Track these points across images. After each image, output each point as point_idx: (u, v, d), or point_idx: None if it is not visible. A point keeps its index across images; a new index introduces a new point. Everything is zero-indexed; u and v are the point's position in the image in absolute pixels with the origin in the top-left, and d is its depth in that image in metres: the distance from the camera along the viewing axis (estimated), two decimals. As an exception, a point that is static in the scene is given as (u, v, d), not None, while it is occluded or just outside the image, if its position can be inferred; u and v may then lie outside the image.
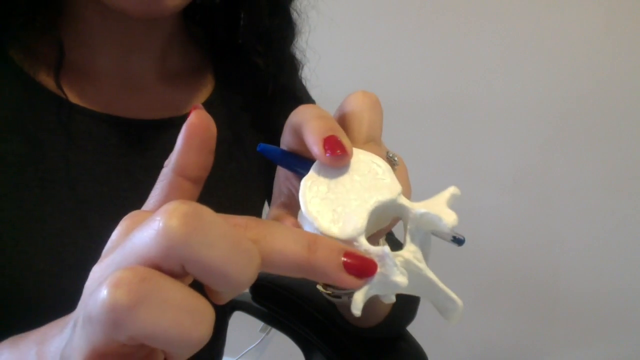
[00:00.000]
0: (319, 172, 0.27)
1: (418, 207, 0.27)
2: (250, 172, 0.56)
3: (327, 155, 0.26)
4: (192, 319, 0.19)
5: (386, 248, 0.25)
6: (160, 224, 0.19)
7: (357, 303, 0.24)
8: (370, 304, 0.43)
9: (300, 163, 0.30)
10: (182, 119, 0.52)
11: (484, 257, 1.32)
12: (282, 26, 0.54)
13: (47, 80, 0.45)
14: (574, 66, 1.19)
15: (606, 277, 1.28)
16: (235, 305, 0.75)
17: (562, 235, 1.29)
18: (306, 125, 0.28)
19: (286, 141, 0.31)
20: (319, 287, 0.44)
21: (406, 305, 0.54)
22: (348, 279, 0.24)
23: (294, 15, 0.55)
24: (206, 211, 0.20)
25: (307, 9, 0.56)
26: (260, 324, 1.41)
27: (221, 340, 0.63)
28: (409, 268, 0.26)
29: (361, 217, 0.26)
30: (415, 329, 0.60)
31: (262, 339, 1.46)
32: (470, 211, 1.30)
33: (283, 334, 0.72)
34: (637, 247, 1.25)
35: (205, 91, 0.55)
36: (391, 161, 0.31)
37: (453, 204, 0.28)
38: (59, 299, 0.41)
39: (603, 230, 1.26)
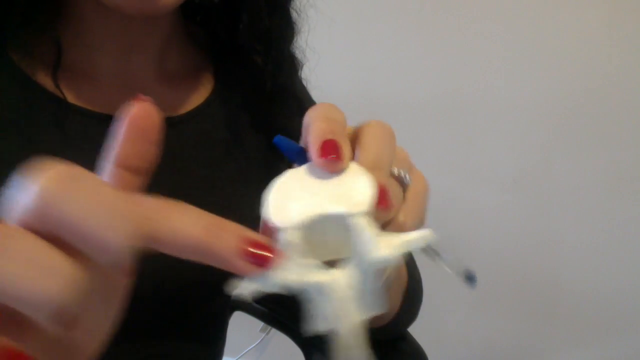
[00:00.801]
0: (306, 170, 0.27)
1: (366, 234, 0.25)
2: (250, 172, 0.56)
3: (321, 158, 0.26)
4: (40, 273, 0.19)
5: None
6: (32, 183, 0.19)
7: (242, 289, 0.23)
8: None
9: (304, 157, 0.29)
10: (180, 118, 0.51)
11: (484, 257, 1.32)
12: (281, 25, 0.54)
13: (45, 80, 0.45)
14: (574, 66, 1.18)
15: (606, 277, 1.28)
16: (235, 305, 0.75)
17: (562, 235, 1.29)
18: (312, 125, 0.28)
19: (303, 139, 0.30)
20: None
21: (411, 307, 0.55)
22: (244, 266, 0.23)
23: (294, 15, 0.55)
24: (83, 173, 0.20)
25: (306, 8, 0.56)
26: (260, 324, 1.41)
27: (221, 340, 0.62)
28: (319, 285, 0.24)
29: (303, 214, 0.25)
30: (415, 329, 0.60)
31: (262, 339, 1.46)
32: (470, 211, 1.30)
33: (283, 334, 0.72)
34: (637, 247, 1.25)
35: (205, 91, 0.55)
36: (400, 179, 0.30)
37: (421, 247, 0.26)
38: None
39: (603, 230, 1.26)
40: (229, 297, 0.63)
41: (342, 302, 0.24)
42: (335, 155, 0.26)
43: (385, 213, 0.26)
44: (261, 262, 0.23)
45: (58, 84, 0.44)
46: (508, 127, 1.24)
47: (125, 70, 0.49)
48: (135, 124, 0.24)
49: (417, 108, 1.27)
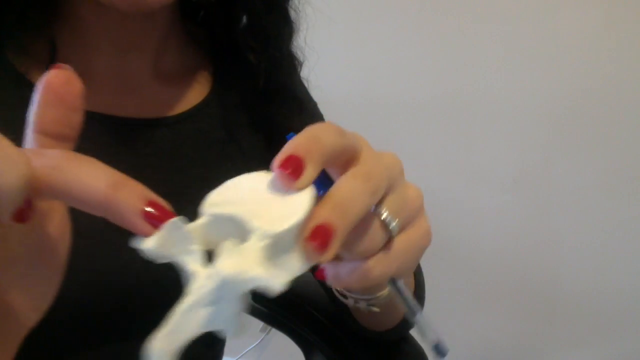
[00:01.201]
0: (271, 177, 0.26)
1: (239, 250, 0.24)
2: (249, 170, 0.55)
3: (278, 168, 0.24)
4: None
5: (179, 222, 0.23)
6: None
7: (146, 243, 0.23)
8: (387, 309, 0.42)
9: (320, 179, 0.28)
10: (177, 118, 0.51)
11: (484, 257, 1.32)
12: (278, 24, 0.54)
13: (39, 79, 0.45)
14: (574, 66, 1.18)
15: (606, 277, 1.28)
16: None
17: (562, 236, 1.29)
18: (294, 137, 0.26)
19: None
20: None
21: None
22: (142, 226, 0.23)
23: (292, 14, 0.55)
24: None
25: (304, 7, 0.56)
26: (260, 324, 1.41)
27: (221, 341, 0.62)
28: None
29: (221, 208, 0.25)
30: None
31: (262, 339, 1.46)
32: (470, 211, 1.30)
33: (283, 334, 0.72)
34: (637, 247, 1.25)
35: (203, 90, 0.55)
36: (385, 225, 0.28)
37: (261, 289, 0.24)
38: None
39: (603, 231, 1.26)
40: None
41: (188, 300, 0.23)
42: (291, 172, 0.24)
43: (315, 252, 0.24)
44: (155, 223, 0.23)
45: None
46: (508, 127, 1.24)
47: (122, 69, 0.49)
48: (53, 90, 0.24)
49: (417, 108, 1.27)
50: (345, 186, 0.26)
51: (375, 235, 0.28)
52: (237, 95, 0.56)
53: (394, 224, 0.28)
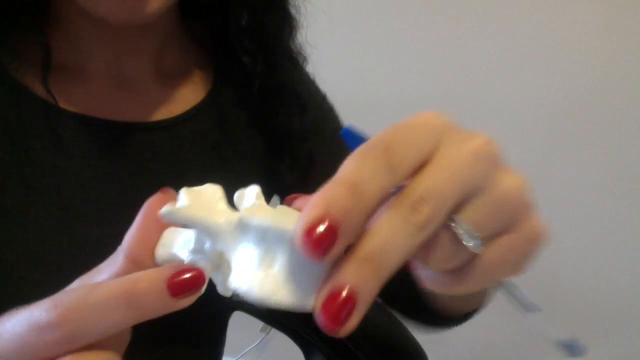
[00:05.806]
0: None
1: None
2: (248, 172, 0.54)
3: (303, 239, 0.19)
4: None
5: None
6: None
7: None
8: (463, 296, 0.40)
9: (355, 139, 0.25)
10: (174, 120, 0.50)
11: (483, 257, 1.32)
12: (277, 21, 0.53)
13: (34, 84, 0.44)
14: (573, 66, 1.18)
15: (606, 277, 1.28)
16: (235, 305, 0.75)
17: (562, 235, 1.29)
18: (321, 190, 0.20)
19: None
20: None
21: (469, 317, 0.55)
22: (181, 302, 0.23)
23: (292, 10, 0.54)
24: None
25: (305, 4, 0.56)
26: (260, 324, 1.41)
27: (220, 343, 0.62)
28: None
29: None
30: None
31: (262, 339, 1.46)
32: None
33: (283, 334, 0.72)
34: (637, 247, 1.25)
35: (202, 90, 0.54)
36: (460, 242, 0.22)
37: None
38: None
39: (603, 230, 1.26)
40: (229, 300, 0.63)
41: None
42: (317, 245, 0.19)
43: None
44: (188, 289, 0.24)
45: (49, 88, 0.43)
46: (507, 126, 1.24)
47: (118, 72, 0.48)
48: (152, 216, 0.25)
49: (417, 108, 1.26)
50: (383, 229, 0.20)
51: (449, 251, 0.22)
52: (236, 94, 0.55)
53: (473, 239, 0.22)
